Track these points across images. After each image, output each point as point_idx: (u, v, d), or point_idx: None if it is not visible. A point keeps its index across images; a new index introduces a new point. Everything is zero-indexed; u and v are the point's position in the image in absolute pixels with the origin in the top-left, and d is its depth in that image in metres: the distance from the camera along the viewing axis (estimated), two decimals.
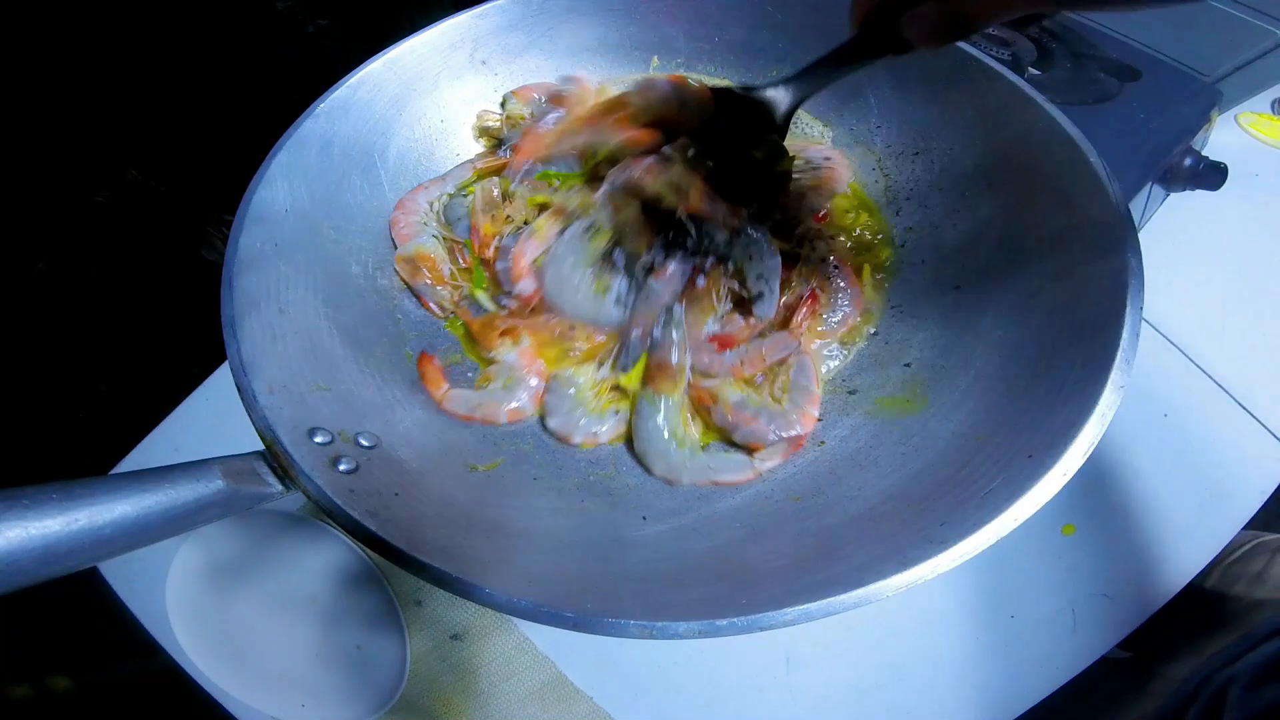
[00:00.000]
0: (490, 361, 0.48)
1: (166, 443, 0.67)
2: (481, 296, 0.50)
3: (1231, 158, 0.61)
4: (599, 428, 0.45)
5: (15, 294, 1.21)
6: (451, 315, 0.50)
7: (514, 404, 0.46)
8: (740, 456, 0.42)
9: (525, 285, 0.48)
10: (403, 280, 0.50)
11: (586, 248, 0.47)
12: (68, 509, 0.24)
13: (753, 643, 0.54)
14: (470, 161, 0.56)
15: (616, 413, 0.46)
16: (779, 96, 0.44)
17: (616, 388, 0.47)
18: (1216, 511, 0.54)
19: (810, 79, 0.44)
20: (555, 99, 0.54)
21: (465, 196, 0.54)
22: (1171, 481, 0.56)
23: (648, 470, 0.43)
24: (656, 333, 0.46)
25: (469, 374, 0.49)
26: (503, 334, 0.48)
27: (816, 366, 0.46)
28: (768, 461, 0.42)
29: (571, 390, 0.46)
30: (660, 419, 0.44)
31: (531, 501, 0.41)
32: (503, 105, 0.57)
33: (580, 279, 0.47)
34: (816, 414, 0.44)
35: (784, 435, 0.42)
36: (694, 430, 0.44)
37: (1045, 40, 0.71)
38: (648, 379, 0.45)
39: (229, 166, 0.58)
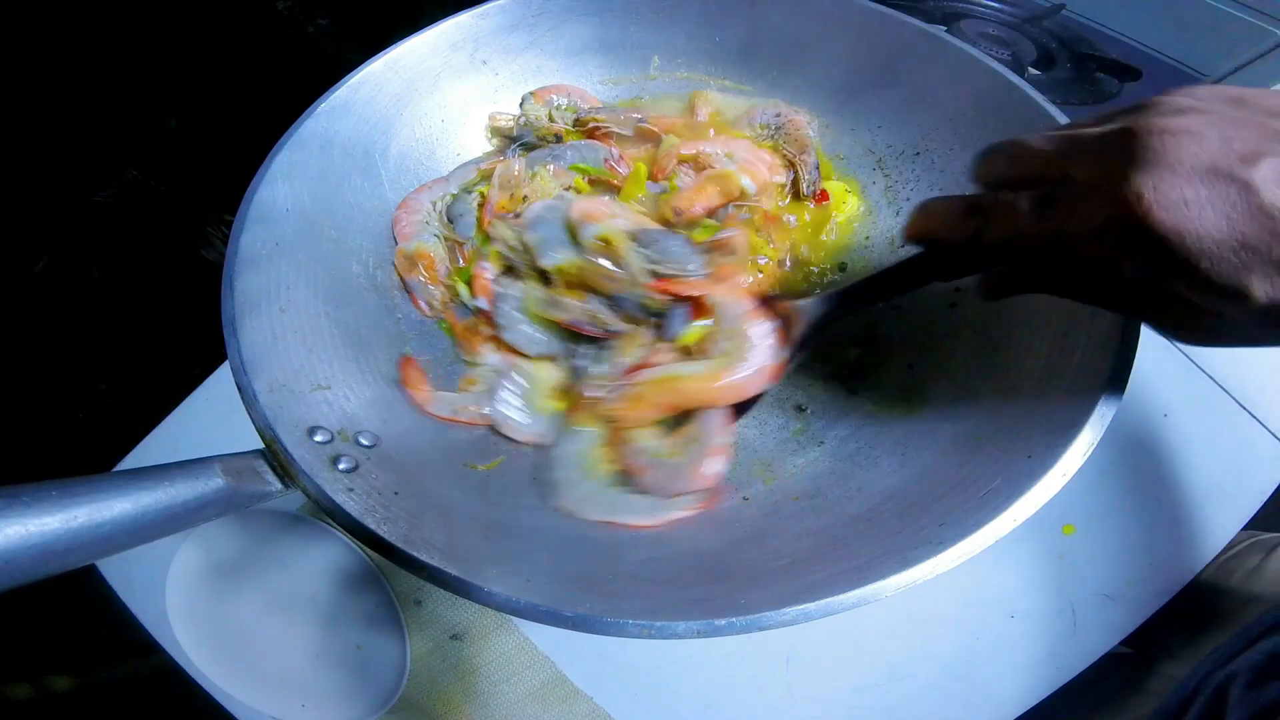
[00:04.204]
0: (475, 364, 0.48)
1: (166, 442, 0.67)
2: (465, 293, 0.50)
3: None
4: (525, 421, 0.44)
5: (15, 294, 1.21)
6: (439, 317, 0.50)
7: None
8: (649, 500, 0.39)
9: (481, 302, 0.48)
10: (398, 274, 0.50)
11: (524, 290, 0.47)
12: (67, 506, 0.24)
13: (753, 643, 0.54)
14: (474, 162, 0.56)
15: (551, 417, 0.45)
16: (806, 309, 0.41)
17: (567, 393, 0.46)
18: (1216, 511, 0.54)
19: (847, 300, 0.40)
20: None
21: (469, 194, 0.54)
22: (1171, 481, 0.56)
23: (550, 498, 0.40)
24: (583, 363, 0.45)
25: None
26: (486, 339, 0.48)
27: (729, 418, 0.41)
28: (674, 512, 0.39)
29: (524, 381, 0.46)
30: (575, 448, 0.42)
31: (531, 500, 0.41)
32: (521, 105, 0.58)
33: (522, 318, 0.47)
34: (714, 470, 0.39)
35: (670, 492, 0.39)
36: (607, 465, 0.41)
37: (1045, 41, 0.71)
38: (572, 407, 0.44)
39: (229, 166, 0.58)
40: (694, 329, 0.42)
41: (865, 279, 0.40)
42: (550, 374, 0.46)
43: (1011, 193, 0.30)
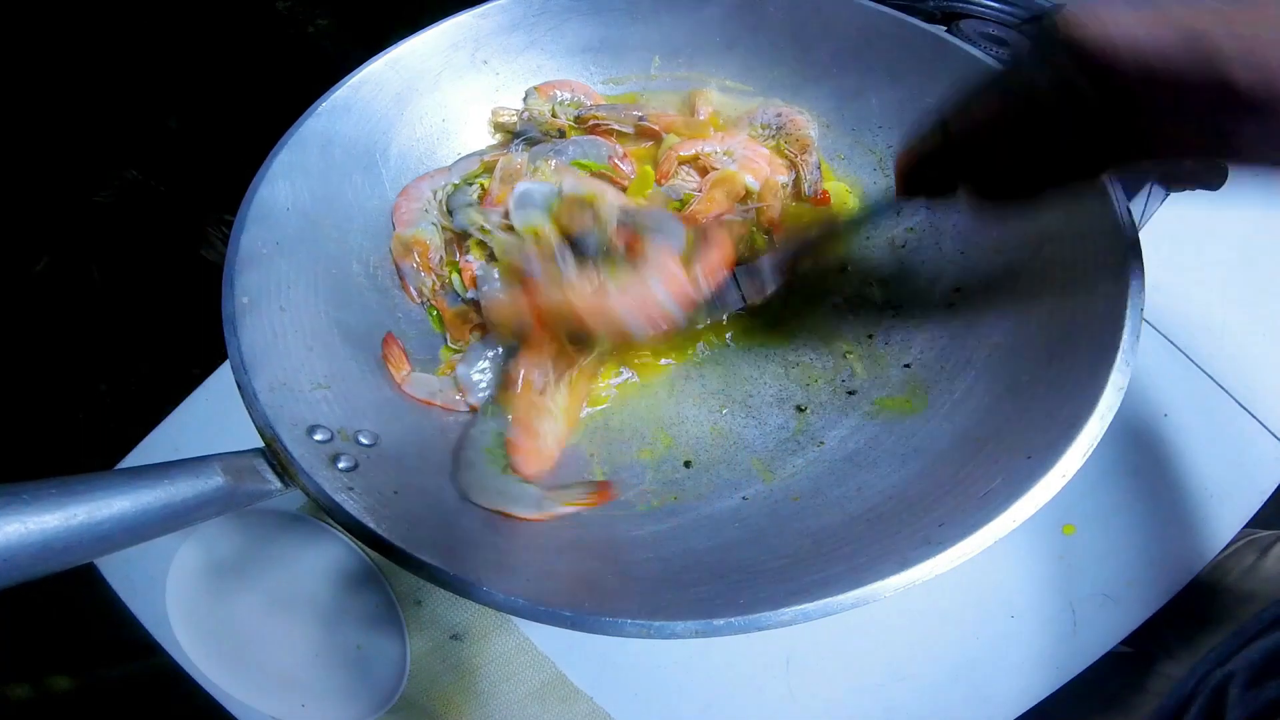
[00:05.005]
0: (458, 351, 0.48)
1: (166, 442, 0.67)
2: (458, 283, 0.51)
3: None
4: (485, 388, 0.45)
5: (15, 294, 1.21)
6: (428, 303, 0.50)
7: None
8: (533, 491, 0.39)
9: (473, 294, 0.49)
10: (393, 261, 0.50)
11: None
12: (66, 504, 0.24)
13: (753, 643, 0.54)
14: (478, 154, 0.56)
15: None
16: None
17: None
18: (1216, 511, 0.54)
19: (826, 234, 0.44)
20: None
21: (470, 185, 0.54)
22: (1171, 481, 0.56)
23: (453, 473, 0.40)
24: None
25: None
26: (474, 328, 0.48)
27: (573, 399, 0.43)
28: (557, 509, 0.39)
29: (503, 352, 0.46)
30: (484, 428, 0.42)
31: None
32: (524, 100, 0.58)
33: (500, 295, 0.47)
34: (541, 449, 0.41)
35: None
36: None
37: None
38: (501, 387, 0.44)
39: (229, 166, 0.58)
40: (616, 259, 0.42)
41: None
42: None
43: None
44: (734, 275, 0.43)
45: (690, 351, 0.49)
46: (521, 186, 0.48)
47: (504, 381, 0.44)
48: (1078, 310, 0.37)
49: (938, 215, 0.50)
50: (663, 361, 0.49)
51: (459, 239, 0.52)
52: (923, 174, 0.37)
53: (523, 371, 0.43)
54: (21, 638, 0.97)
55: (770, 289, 0.43)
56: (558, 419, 0.43)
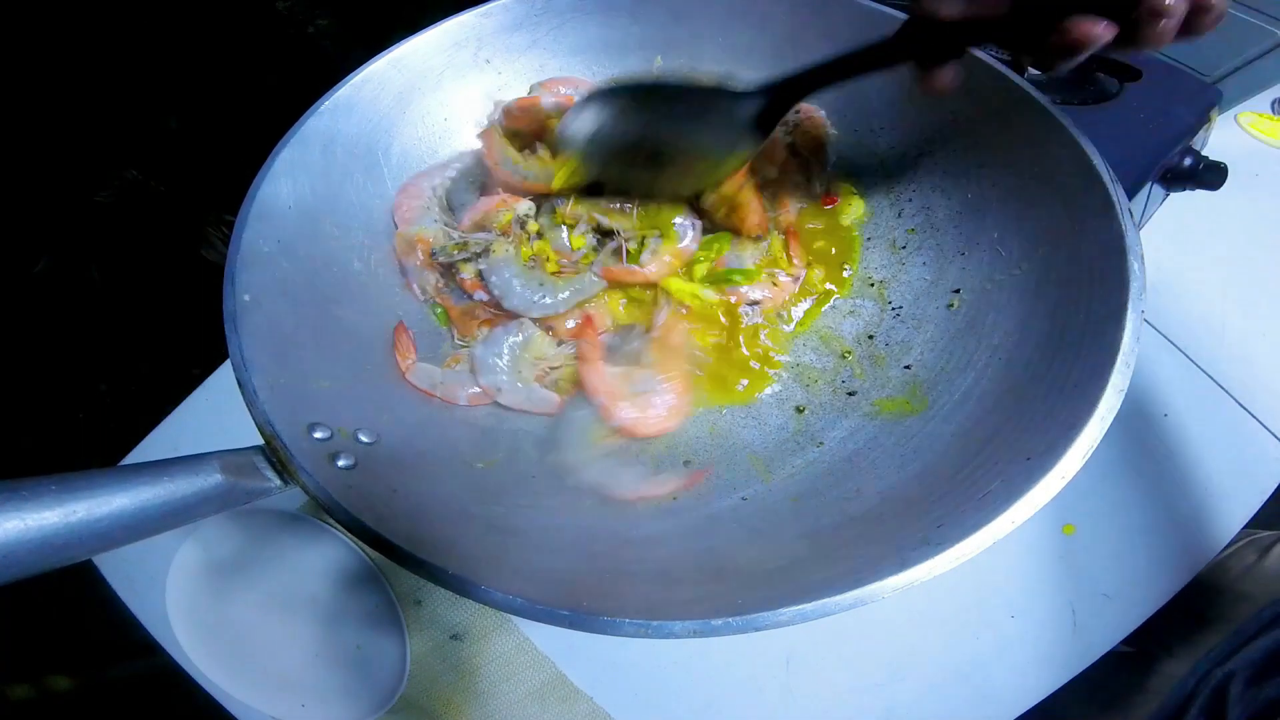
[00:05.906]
0: (468, 346, 0.49)
1: (166, 442, 0.67)
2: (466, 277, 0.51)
3: (1231, 158, 0.61)
4: (499, 375, 0.46)
5: (15, 294, 1.21)
6: (432, 300, 0.51)
7: (477, 388, 0.46)
8: (639, 473, 0.42)
9: (480, 295, 0.50)
10: (397, 259, 0.51)
11: (517, 256, 0.50)
12: (66, 501, 0.24)
13: (753, 643, 0.54)
14: (477, 152, 0.56)
15: (521, 379, 0.47)
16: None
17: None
18: (1216, 511, 0.54)
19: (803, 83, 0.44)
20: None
21: (471, 183, 0.54)
22: (1171, 481, 0.56)
23: (549, 453, 0.43)
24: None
25: None
26: (482, 323, 0.48)
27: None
28: (658, 488, 0.41)
29: (520, 338, 0.48)
30: (583, 413, 0.44)
31: (529, 499, 0.41)
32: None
33: (517, 281, 0.49)
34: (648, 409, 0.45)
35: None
36: (606, 438, 0.44)
37: None
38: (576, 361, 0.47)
39: (229, 166, 0.58)
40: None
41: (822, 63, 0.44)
42: (542, 345, 0.48)
43: None
44: None
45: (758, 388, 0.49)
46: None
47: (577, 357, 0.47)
48: (1078, 311, 0.37)
49: (939, 215, 0.49)
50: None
51: (446, 270, 0.51)
52: (921, 39, 0.40)
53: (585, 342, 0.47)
54: (21, 638, 0.97)
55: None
56: (653, 376, 0.45)
